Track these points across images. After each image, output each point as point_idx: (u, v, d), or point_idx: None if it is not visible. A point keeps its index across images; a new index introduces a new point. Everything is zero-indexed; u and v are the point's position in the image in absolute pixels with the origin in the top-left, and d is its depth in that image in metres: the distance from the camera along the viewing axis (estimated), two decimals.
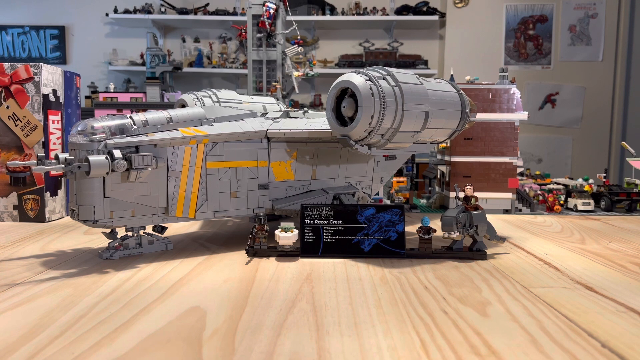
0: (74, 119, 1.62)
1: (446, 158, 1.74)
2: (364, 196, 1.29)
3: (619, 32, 4.50)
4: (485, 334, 0.66)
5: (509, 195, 1.69)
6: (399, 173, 2.05)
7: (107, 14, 4.59)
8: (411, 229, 1.38)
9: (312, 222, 1.06)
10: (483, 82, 1.71)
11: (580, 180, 1.95)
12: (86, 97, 4.24)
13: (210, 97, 1.39)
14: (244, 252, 1.09)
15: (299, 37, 2.39)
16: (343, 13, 4.64)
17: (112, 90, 4.10)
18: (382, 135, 1.02)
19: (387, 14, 4.61)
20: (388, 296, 0.81)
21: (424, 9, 4.56)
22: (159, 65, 4.15)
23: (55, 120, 1.50)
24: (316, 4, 4.56)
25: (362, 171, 1.33)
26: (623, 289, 0.86)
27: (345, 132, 1.02)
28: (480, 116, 1.66)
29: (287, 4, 2.39)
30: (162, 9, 4.66)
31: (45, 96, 1.46)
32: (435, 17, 4.52)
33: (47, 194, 1.47)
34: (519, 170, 1.71)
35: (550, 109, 4.58)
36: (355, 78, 0.99)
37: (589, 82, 4.53)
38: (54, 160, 0.98)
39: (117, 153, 0.93)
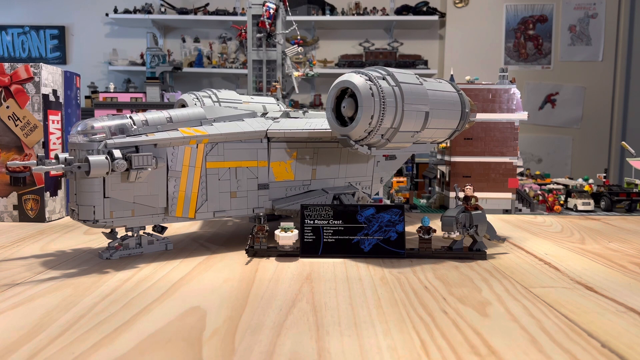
0: (74, 119, 1.62)
1: (446, 158, 1.74)
2: (364, 196, 1.29)
3: (619, 32, 4.50)
4: (485, 334, 0.66)
5: (509, 195, 1.69)
6: (399, 173, 2.05)
7: (107, 14, 4.59)
8: (411, 229, 1.38)
9: (312, 222, 1.06)
10: (483, 82, 1.71)
11: (580, 180, 1.95)
12: (86, 97, 4.25)
13: (210, 97, 1.39)
14: (244, 252, 1.09)
15: (299, 37, 2.39)
16: (343, 13, 4.64)
17: (112, 90, 4.10)
18: (382, 135, 1.02)
19: (387, 14, 4.62)
20: (388, 296, 0.81)
21: (424, 9, 4.56)
22: (159, 65, 4.15)
23: (55, 120, 1.50)
24: (316, 4, 4.56)
25: (362, 171, 1.33)
26: (623, 289, 0.86)
27: (345, 132, 1.02)
28: (480, 116, 1.66)
29: (287, 4, 2.39)
30: (162, 9, 4.66)
31: (45, 96, 1.46)
32: (435, 17, 4.52)
33: (47, 194, 1.47)
34: (519, 170, 1.71)
35: (550, 109, 4.58)
36: (355, 78, 0.99)
37: (589, 82, 4.53)
38: (54, 160, 0.97)
39: (117, 153, 0.93)
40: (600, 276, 0.94)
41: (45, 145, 1.47)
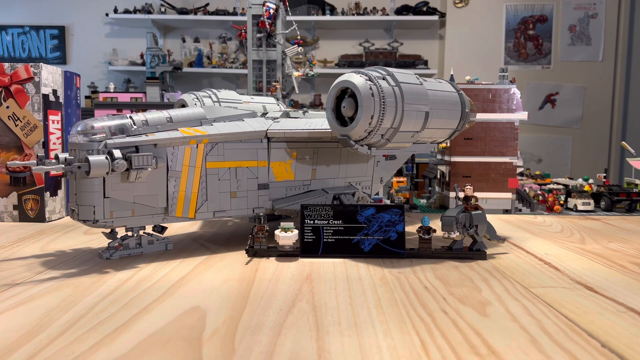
0: (74, 119, 1.62)
1: (446, 158, 1.74)
2: (364, 196, 1.29)
3: (619, 32, 4.50)
4: (485, 334, 0.66)
5: (509, 195, 1.69)
6: (399, 173, 2.05)
7: (107, 14, 4.59)
8: (411, 229, 1.38)
9: (312, 222, 1.06)
10: (483, 82, 1.71)
11: (580, 180, 1.95)
12: (86, 97, 4.25)
13: (210, 97, 1.39)
14: (244, 252, 1.09)
15: (299, 37, 2.39)
16: (343, 13, 4.64)
17: (112, 90, 4.10)
18: (382, 135, 1.02)
19: (387, 14, 4.62)
20: (388, 296, 0.81)
21: (424, 9, 4.56)
22: (159, 65, 4.15)
23: (55, 120, 1.50)
24: (316, 4, 4.56)
25: (362, 171, 1.33)
26: (623, 289, 0.86)
27: (345, 132, 1.02)
28: (480, 116, 1.66)
29: (287, 4, 2.39)
30: (162, 9, 4.66)
31: (45, 96, 1.46)
32: (435, 17, 4.52)
33: (47, 194, 1.47)
34: (519, 170, 1.71)
35: (550, 109, 4.58)
36: (355, 78, 0.99)
37: (589, 82, 4.53)
38: (54, 160, 0.97)
39: (117, 153, 0.93)
40: (600, 276, 0.94)
41: (45, 145, 1.47)
